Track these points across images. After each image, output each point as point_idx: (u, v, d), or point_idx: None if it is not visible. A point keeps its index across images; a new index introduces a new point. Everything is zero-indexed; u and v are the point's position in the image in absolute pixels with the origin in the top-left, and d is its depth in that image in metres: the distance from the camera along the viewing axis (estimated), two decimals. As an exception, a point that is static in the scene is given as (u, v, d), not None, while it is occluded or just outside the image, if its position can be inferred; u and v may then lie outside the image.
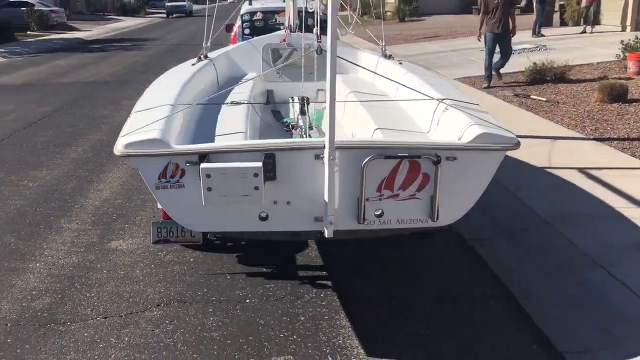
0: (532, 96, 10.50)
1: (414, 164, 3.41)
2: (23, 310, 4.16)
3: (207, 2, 6.79)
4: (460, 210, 3.61)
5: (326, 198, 3.35)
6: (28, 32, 29.68)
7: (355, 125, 4.93)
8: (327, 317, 3.99)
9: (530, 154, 7.13)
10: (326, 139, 3.23)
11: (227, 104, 4.98)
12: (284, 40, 6.59)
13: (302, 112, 5.16)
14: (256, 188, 3.23)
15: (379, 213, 3.52)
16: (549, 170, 6.62)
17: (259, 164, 3.23)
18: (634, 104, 9.34)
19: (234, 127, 4.29)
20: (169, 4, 52.12)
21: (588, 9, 18.87)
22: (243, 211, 3.50)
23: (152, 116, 3.76)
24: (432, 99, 4.26)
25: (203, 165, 3.23)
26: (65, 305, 4.21)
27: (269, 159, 3.36)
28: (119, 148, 3.40)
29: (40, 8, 32.90)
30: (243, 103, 4.95)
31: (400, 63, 5.87)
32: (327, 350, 3.64)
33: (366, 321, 3.96)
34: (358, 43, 12.49)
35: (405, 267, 4.78)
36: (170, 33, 31.57)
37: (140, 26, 39.48)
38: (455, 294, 4.32)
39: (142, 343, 3.74)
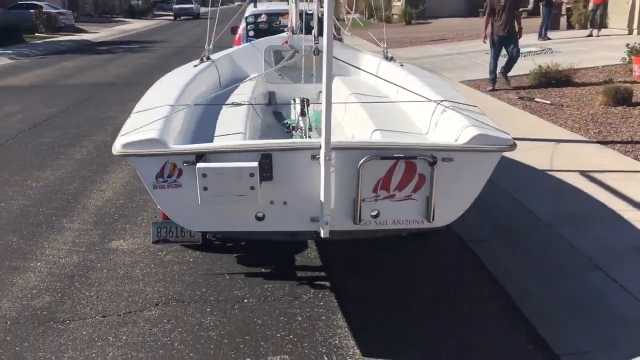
0: (536, 99, 10.49)
1: (410, 165, 3.42)
2: (23, 308, 4.19)
3: (210, 5, 6.83)
4: (457, 212, 3.62)
5: (322, 198, 3.36)
6: (36, 34, 29.88)
7: (356, 126, 4.95)
8: (324, 318, 4.01)
9: (532, 156, 7.13)
10: (322, 140, 3.24)
11: (228, 104, 5.01)
12: (286, 42, 6.61)
13: (302, 113, 5.19)
14: (252, 188, 3.25)
15: (375, 214, 3.53)
16: (550, 172, 6.62)
17: (255, 164, 3.25)
18: (638, 107, 9.32)
19: (233, 127, 4.32)
20: (177, 6, 52.34)
21: (595, 12, 18.82)
22: (240, 211, 3.52)
23: (151, 116, 3.79)
24: (432, 100, 4.27)
25: (199, 165, 3.26)
26: (65, 303, 4.24)
27: (266, 159, 3.38)
28: (117, 148, 3.43)
29: (48, 10, 33.12)
30: (243, 104, 4.98)
31: (402, 65, 5.89)
32: (323, 350, 3.65)
33: (363, 321, 3.96)
34: (362, 45, 12.50)
35: (403, 267, 4.79)
36: (177, 35, 31.70)
37: (148, 28, 39.67)
38: (453, 294, 4.32)
39: (140, 342, 3.77)
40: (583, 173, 6.50)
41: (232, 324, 3.94)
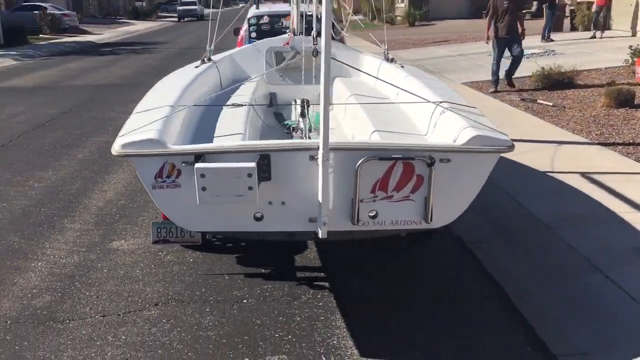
0: (538, 101, 10.48)
1: (408, 166, 3.42)
2: (23, 308, 4.21)
3: (211, 6, 6.86)
4: (455, 212, 3.63)
5: (320, 199, 3.37)
6: (40, 35, 30.02)
7: (356, 127, 4.96)
8: (322, 318, 4.01)
9: (533, 158, 7.13)
10: (320, 140, 3.25)
11: (229, 105, 5.02)
12: (287, 43, 6.63)
13: (303, 114, 5.20)
14: (250, 188, 3.26)
15: (373, 214, 3.54)
16: (551, 174, 6.61)
17: (253, 164, 3.26)
18: (640, 109, 9.31)
19: (233, 128, 4.33)
20: (180, 8, 52.54)
21: (598, 14, 18.82)
22: (238, 211, 3.53)
23: (151, 117, 3.81)
24: (431, 102, 4.28)
25: (197, 165, 3.27)
26: (65, 303, 4.26)
27: (264, 159, 3.39)
28: (116, 148, 3.45)
29: (52, 12, 33.28)
30: (244, 105, 4.99)
31: (402, 66, 5.90)
32: (321, 351, 3.66)
33: (361, 322, 3.97)
34: (365, 47, 12.50)
35: (403, 268, 4.79)
36: (181, 37, 31.79)
37: (151, 30, 39.79)
38: (451, 295, 4.32)
39: (139, 341, 3.78)
40: (584, 175, 6.50)
41: (231, 324, 3.95)
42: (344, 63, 4.70)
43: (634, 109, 9.28)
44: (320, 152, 3.26)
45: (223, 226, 3.67)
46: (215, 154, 3.41)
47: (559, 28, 20.92)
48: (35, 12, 32.37)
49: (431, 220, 3.54)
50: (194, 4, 52.95)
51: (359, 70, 5.18)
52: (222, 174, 3.24)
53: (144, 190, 6.31)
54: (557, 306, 4.11)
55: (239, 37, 10.72)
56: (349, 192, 3.45)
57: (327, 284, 4.49)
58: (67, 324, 4.00)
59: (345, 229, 3.56)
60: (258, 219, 3.57)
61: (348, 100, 5.45)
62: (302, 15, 6.78)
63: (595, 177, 6.41)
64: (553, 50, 16.13)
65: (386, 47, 6.25)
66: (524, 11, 25.33)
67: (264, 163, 3.39)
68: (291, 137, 5.15)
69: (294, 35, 6.78)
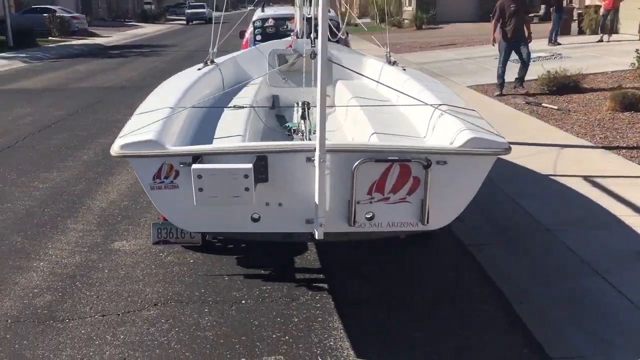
0: (543, 104, 10.47)
1: (405, 168, 3.44)
2: (24, 307, 4.25)
3: (214, 9, 6.90)
4: (451, 214, 3.63)
5: (317, 200, 3.39)
6: (49, 38, 30.24)
7: (356, 129, 4.99)
8: (320, 319, 4.03)
9: (537, 161, 7.13)
10: (317, 142, 3.27)
11: (230, 107, 5.05)
12: (290, 46, 6.66)
13: (303, 116, 5.22)
14: (246, 189, 3.28)
15: (369, 216, 3.55)
16: (554, 177, 6.60)
17: (249, 165, 3.28)
18: (646, 112, 9.27)
19: (233, 130, 4.36)
20: (189, 11, 52.81)
21: (605, 18, 18.75)
22: (235, 212, 3.55)
23: (151, 118, 3.85)
24: (430, 104, 4.29)
25: (194, 166, 3.30)
26: (65, 303, 4.30)
27: (261, 161, 3.41)
28: (115, 149, 3.48)
29: (61, 14, 33.51)
30: (245, 107, 5.02)
31: (404, 69, 5.91)
32: (318, 352, 3.67)
33: (358, 323, 3.98)
34: (369, 50, 12.52)
35: (403, 270, 4.79)
36: (189, 40, 31.91)
37: (160, 33, 39.98)
38: (450, 297, 4.32)
39: (137, 341, 3.81)
40: (586, 178, 6.49)
41: (229, 325, 3.97)
42: (342, 66, 4.73)
43: (639, 113, 9.25)
44: (317, 153, 3.27)
45: (220, 227, 3.70)
46: (212, 155, 3.44)
47: (566, 31, 20.87)
48: (45, 14, 32.63)
49: (428, 222, 3.55)
50: (202, 7, 53.19)
51: (357, 73, 5.20)
52: (219, 175, 3.27)
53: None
54: (555, 309, 4.10)
55: (244, 40, 10.77)
56: (345, 193, 3.47)
57: (325, 286, 4.50)
58: (66, 323, 4.03)
59: (341, 231, 3.57)
60: (255, 220, 3.59)
61: (349, 103, 5.47)
62: (305, 18, 6.81)
63: (598, 180, 6.40)
64: (560, 54, 16.10)
65: (388, 50, 6.27)
66: (531, 14, 25.34)
67: (261, 164, 3.41)
68: (292, 139, 5.17)
69: (297, 37, 6.81)
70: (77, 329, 3.95)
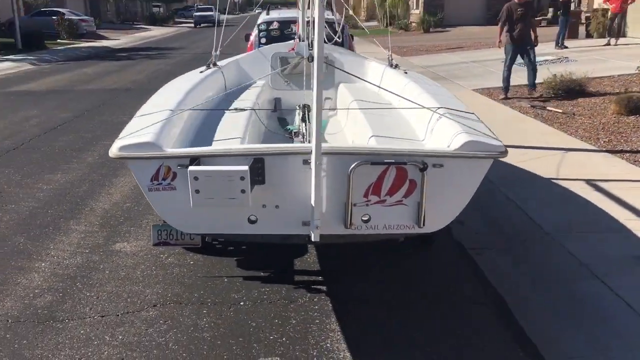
0: (548, 108, 10.45)
1: (401, 171, 3.45)
2: (25, 307, 4.28)
3: (217, 12, 6.93)
4: (448, 217, 3.64)
5: (313, 202, 3.40)
6: (58, 40, 30.44)
7: (356, 132, 5.00)
8: (318, 321, 4.04)
9: (539, 165, 7.12)
10: (312, 145, 3.28)
11: (232, 110, 5.08)
12: (293, 49, 6.69)
13: (304, 119, 5.24)
14: (242, 191, 3.30)
15: (366, 218, 3.57)
16: (556, 181, 6.59)
17: (245, 167, 3.30)
18: (651, 116, 9.24)
19: (233, 132, 4.39)
20: (197, 14, 52.97)
21: (613, 21, 18.69)
22: (232, 214, 3.58)
23: (150, 120, 3.88)
24: (429, 108, 4.30)
25: (191, 168, 3.32)
26: (66, 303, 4.33)
27: (258, 163, 3.43)
28: (113, 151, 3.52)
29: (70, 17, 33.70)
30: (246, 109, 5.05)
31: (406, 72, 5.93)
32: (314, 353, 3.68)
33: (356, 326, 3.98)
34: (375, 53, 12.52)
35: (403, 273, 4.79)
36: (196, 42, 32.02)
37: (168, 35, 40.14)
38: (447, 299, 4.32)
39: (135, 341, 3.83)
40: (589, 182, 6.47)
41: (227, 326, 3.99)
42: (341, 69, 4.75)
43: (644, 117, 9.22)
44: (313, 156, 3.29)
45: (218, 229, 3.72)
46: (210, 157, 3.46)
47: (574, 35, 20.82)
48: (54, 17, 32.85)
49: (424, 225, 3.56)
50: (210, 9, 53.38)
51: (357, 77, 5.22)
52: (215, 176, 3.29)
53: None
54: (553, 313, 4.10)
55: (249, 43, 10.80)
56: (341, 196, 3.48)
57: (324, 288, 4.51)
58: (66, 323, 4.06)
59: (337, 233, 3.58)
60: (252, 222, 3.62)
61: (351, 106, 5.49)
62: (308, 22, 6.83)
63: (601, 184, 6.39)
64: (566, 57, 16.05)
65: (390, 54, 6.28)
66: (539, 17, 25.29)
67: (258, 167, 3.44)
68: (292, 142, 5.19)
69: (300, 41, 6.83)
70: (77, 329, 3.98)
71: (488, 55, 17.98)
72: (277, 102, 6.50)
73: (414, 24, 34.49)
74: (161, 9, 61.35)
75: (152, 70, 18.70)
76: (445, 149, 3.56)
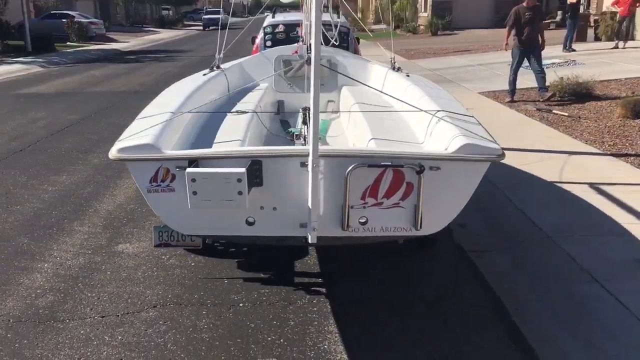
0: (553, 111, 10.42)
1: (398, 173, 3.46)
2: (26, 307, 4.33)
3: (221, 15, 6.97)
4: (444, 220, 3.65)
5: (310, 205, 3.42)
6: (68, 43, 30.66)
7: (357, 134, 5.02)
8: (316, 323, 4.05)
9: (543, 168, 7.10)
10: (310, 147, 3.30)
11: (234, 112, 5.11)
12: (296, 52, 6.71)
13: (305, 122, 5.26)
14: (240, 193, 3.32)
15: (363, 221, 3.58)
16: (559, 184, 6.57)
17: (243, 169, 3.32)
18: (657, 120, 9.20)
19: (234, 135, 4.41)
20: (206, 16, 53.18)
21: (621, 24, 18.61)
22: (230, 216, 3.60)
23: (151, 122, 3.91)
24: (429, 111, 4.31)
25: (188, 169, 3.35)
26: (67, 303, 4.37)
27: (256, 165, 3.45)
28: (113, 152, 3.55)
29: (80, 20, 33.94)
30: (248, 112, 5.07)
31: (408, 75, 5.93)
32: (312, 355, 3.70)
33: (354, 328, 4.00)
34: (382, 56, 12.53)
35: (403, 275, 4.80)
36: (204, 45, 32.13)
37: (176, 38, 40.33)
38: (446, 302, 4.32)
39: (134, 342, 3.86)
40: (592, 185, 6.45)
41: (225, 327, 4.01)
42: (340, 73, 4.77)
43: (650, 120, 9.19)
44: (310, 158, 3.30)
45: (215, 230, 3.74)
46: (208, 159, 3.49)
47: (582, 38, 20.74)
48: (63, 20, 33.07)
49: (421, 227, 3.56)
50: (218, 12, 53.57)
51: (358, 81, 5.23)
52: (212, 178, 3.31)
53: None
54: (552, 316, 4.09)
55: (254, 45, 10.84)
56: (339, 198, 3.50)
57: (323, 290, 4.53)
58: (67, 323, 4.10)
59: (335, 235, 3.60)
60: (250, 224, 3.64)
61: (353, 108, 5.51)
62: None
63: (604, 187, 6.37)
64: (574, 60, 16.00)
65: (393, 56, 6.29)
66: (548, 20, 25.20)
67: (256, 169, 3.46)
68: (293, 144, 5.21)
69: (303, 44, 6.85)
70: (77, 329, 4.01)
71: (495, 58, 17.94)
72: (280, 104, 6.53)
73: (422, 27, 34.47)
74: (170, 12, 61.66)
75: (160, 73, 18.80)
76: (442, 151, 3.57)
